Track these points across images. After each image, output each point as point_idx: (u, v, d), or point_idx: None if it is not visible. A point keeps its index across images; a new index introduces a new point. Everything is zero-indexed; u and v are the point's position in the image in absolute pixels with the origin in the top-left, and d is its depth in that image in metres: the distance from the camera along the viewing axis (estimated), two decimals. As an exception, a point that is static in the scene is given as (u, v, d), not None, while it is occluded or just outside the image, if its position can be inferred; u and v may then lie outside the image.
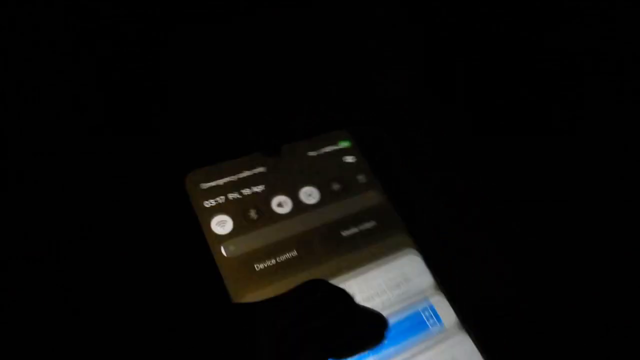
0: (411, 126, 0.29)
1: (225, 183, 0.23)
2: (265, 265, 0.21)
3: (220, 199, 0.22)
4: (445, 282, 0.22)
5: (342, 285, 0.19)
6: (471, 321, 0.21)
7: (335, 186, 0.24)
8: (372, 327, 0.19)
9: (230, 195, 0.22)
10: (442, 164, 0.27)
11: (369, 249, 0.22)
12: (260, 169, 0.23)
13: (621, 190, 0.25)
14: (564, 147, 0.27)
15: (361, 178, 0.24)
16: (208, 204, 0.22)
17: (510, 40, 0.30)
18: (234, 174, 0.23)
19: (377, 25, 0.32)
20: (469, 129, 0.28)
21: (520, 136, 0.27)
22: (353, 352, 0.18)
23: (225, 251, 0.21)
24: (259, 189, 0.23)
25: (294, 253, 0.22)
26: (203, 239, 0.22)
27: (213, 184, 0.23)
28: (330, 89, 0.30)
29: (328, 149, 0.25)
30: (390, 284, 0.21)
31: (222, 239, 0.22)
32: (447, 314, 0.21)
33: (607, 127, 0.27)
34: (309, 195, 0.23)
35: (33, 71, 0.26)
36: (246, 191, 0.23)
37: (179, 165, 0.25)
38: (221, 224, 0.22)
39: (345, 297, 0.19)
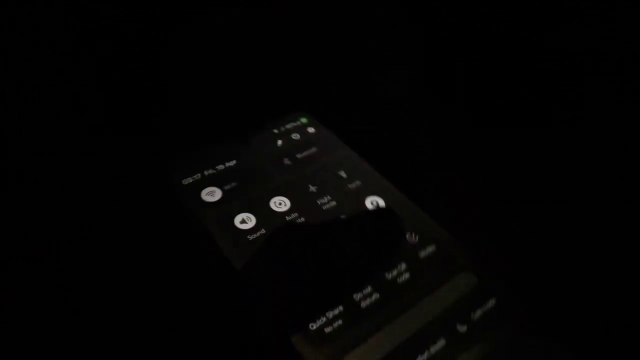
0: (411, 126, 0.29)
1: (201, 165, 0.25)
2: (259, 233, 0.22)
3: (198, 176, 0.24)
4: None
5: None
6: None
7: (307, 151, 0.26)
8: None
9: (207, 172, 0.24)
10: (442, 164, 0.27)
11: None
12: (231, 150, 0.26)
13: (621, 191, 0.25)
14: (564, 147, 0.27)
15: (327, 141, 0.27)
16: (186, 181, 0.24)
17: (510, 40, 0.30)
18: (209, 159, 0.25)
19: (377, 25, 0.32)
20: (469, 129, 0.28)
21: (520, 136, 0.27)
22: None
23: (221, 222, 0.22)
24: (232, 163, 0.25)
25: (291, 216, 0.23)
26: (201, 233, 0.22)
27: (193, 172, 0.24)
28: (330, 89, 0.30)
29: (290, 125, 0.28)
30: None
31: (211, 207, 0.23)
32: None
33: (607, 127, 0.27)
34: (283, 162, 0.25)
35: (33, 71, 0.26)
36: (220, 167, 0.25)
37: (177, 165, 0.25)
38: (211, 194, 0.23)
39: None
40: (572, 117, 0.28)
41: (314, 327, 0.18)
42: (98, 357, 0.19)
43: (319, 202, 0.23)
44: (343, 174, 0.25)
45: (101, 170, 0.25)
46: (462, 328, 0.19)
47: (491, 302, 0.20)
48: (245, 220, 0.22)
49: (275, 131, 0.27)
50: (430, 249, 0.22)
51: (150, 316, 0.20)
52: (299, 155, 0.26)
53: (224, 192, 0.23)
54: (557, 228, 0.24)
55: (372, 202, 0.24)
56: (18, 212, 0.23)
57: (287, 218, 0.22)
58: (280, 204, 0.23)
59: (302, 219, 0.22)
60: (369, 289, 0.20)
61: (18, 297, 0.21)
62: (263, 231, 0.22)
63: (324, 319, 0.19)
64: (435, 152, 0.28)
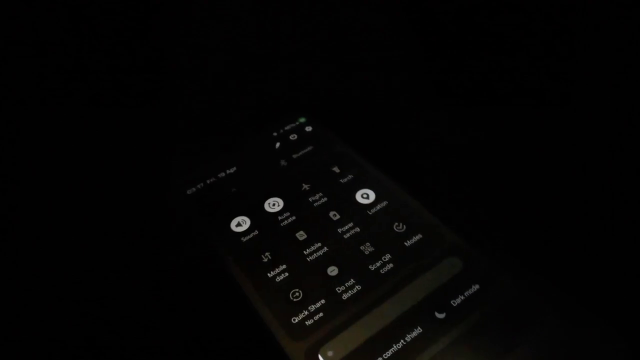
0: (411, 125, 0.29)
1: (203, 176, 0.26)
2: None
3: (201, 185, 0.25)
4: None
5: None
6: None
7: (303, 150, 0.27)
8: None
9: (209, 181, 0.25)
10: (442, 164, 0.27)
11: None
12: (232, 158, 0.26)
13: (621, 191, 0.25)
14: (565, 147, 0.27)
15: (323, 139, 0.28)
16: (190, 191, 0.25)
17: (510, 40, 0.30)
18: (212, 168, 0.26)
19: (377, 25, 0.33)
20: (469, 128, 0.28)
21: (521, 136, 0.27)
22: None
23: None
24: (232, 170, 0.26)
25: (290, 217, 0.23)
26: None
27: (196, 182, 0.25)
28: (330, 89, 0.30)
29: (288, 126, 0.28)
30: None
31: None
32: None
33: (608, 128, 0.27)
34: (279, 163, 0.26)
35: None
36: (222, 175, 0.26)
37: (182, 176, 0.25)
38: (211, 201, 0.24)
39: None
40: (572, 117, 0.28)
41: (296, 321, 0.19)
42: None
43: (310, 200, 0.24)
44: (336, 169, 0.25)
45: (105, 177, 0.25)
46: (440, 315, 0.19)
47: (474, 288, 0.20)
48: (240, 223, 0.23)
49: (275, 134, 0.28)
50: (417, 237, 0.22)
51: (147, 314, 0.21)
52: (294, 155, 0.26)
53: (224, 198, 0.24)
54: (557, 228, 0.24)
55: (363, 194, 0.24)
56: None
57: (279, 218, 0.23)
58: (273, 204, 0.24)
59: (293, 218, 0.23)
60: (351, 281, 0.20)
61: (16, 294, 0.21)
62: (256, 232, 0.22)
63: (306, 313, 0.19)
64: (435, 152, 0.28)
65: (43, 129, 0.26)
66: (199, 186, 0.25)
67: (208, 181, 0.25)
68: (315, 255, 0.21)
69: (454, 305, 0.19)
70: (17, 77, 0.27)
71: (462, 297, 0.19)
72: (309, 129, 0.28)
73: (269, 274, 0.21)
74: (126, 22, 0.29)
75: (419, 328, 0.18)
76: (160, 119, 0.28)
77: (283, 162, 0.26)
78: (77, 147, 0.26)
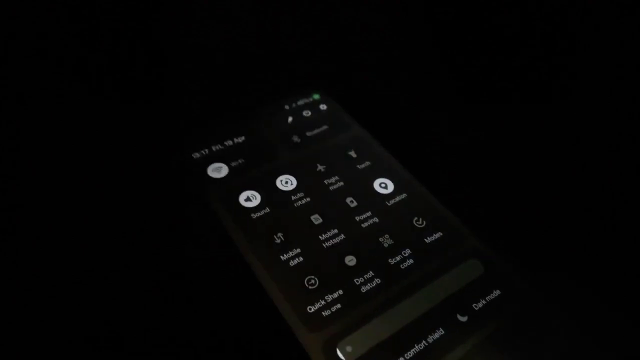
0: (411, 125, 0.29)
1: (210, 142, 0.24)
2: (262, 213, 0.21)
3: (205, 151, 0.23)
4: None
5: None
6: None
7: (318, 129, 0.25)
8: None
9: (215, 147, 0.24)
10: (443, 163, 0.27)
11: None
12: (240, 126, 0.25)
13: (621, 191, 0.25)
14: (565, 147, 0.27)
15: (339, 120, 0.26)
16: (194, 156, 0.23)
17: (510, 40, 0.30)
18: (217, 135, 0.24)
19: (377, 25, 0.33)
20: (470, 128, 0.28)
21: (522, 135, 0.27)
22: None
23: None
24: (240, 139, 0.24)
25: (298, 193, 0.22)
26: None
27: (200, 147, 0.24)
28: (330, 89, 0.30)
29: (301, 102, 0.27)
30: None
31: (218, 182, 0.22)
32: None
33: (610, 126, 0.27)
34: (292, 139, 0.25)
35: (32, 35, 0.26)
36: (228, 143, 0.24)
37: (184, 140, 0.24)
38: (217, 170, 0.23)
39: None
40: (573, 116, 0.28)
41: (312, 310, 0.18)
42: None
43: (326, 182, 0.23)
44: (353, 153, 0.24)
45: (107, 139, 0.24)
46: (463, 318, 0.18)
47: (495, 293, 0.19)
48: (250, 198, 0.21)
49: (287, 107, 0.26)
50: (437, 234, 0.21)
51: (149, 290, 0.20)
52: (308, 133, 0.25)
53: (231, 168, 0.23)
54: (557, 228, 0.24)
55: (381, 184, 0.23)
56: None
57: (293, 197, 0.22)
58: (286, 182, 0.22)
59: (307, 199, 0.22)
60: (370, 274, 0.19)
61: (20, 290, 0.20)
62: (267, 210, 0.21)
63: (323, 302, 0.18)
64: (436, 151, 0.28)
65: (42, 126, 0.26)
66: (203, 152, 0.23)
67: (214, 148, 0.23)
68: (331, 241, 0.20)
69: (476, 309, 0.18)
70: (19, 74, 0.26)
71: (484, 302, 0.19)
72: (323, 107, 0.27)
73: (282, 257, 0.19)
74: (126, 22, 0.29)
75: (441, 330, 0.18)
76: (159, 118, 0.28)
77: (296, 139, 0.24)
78: (72, 136, 0.25)
